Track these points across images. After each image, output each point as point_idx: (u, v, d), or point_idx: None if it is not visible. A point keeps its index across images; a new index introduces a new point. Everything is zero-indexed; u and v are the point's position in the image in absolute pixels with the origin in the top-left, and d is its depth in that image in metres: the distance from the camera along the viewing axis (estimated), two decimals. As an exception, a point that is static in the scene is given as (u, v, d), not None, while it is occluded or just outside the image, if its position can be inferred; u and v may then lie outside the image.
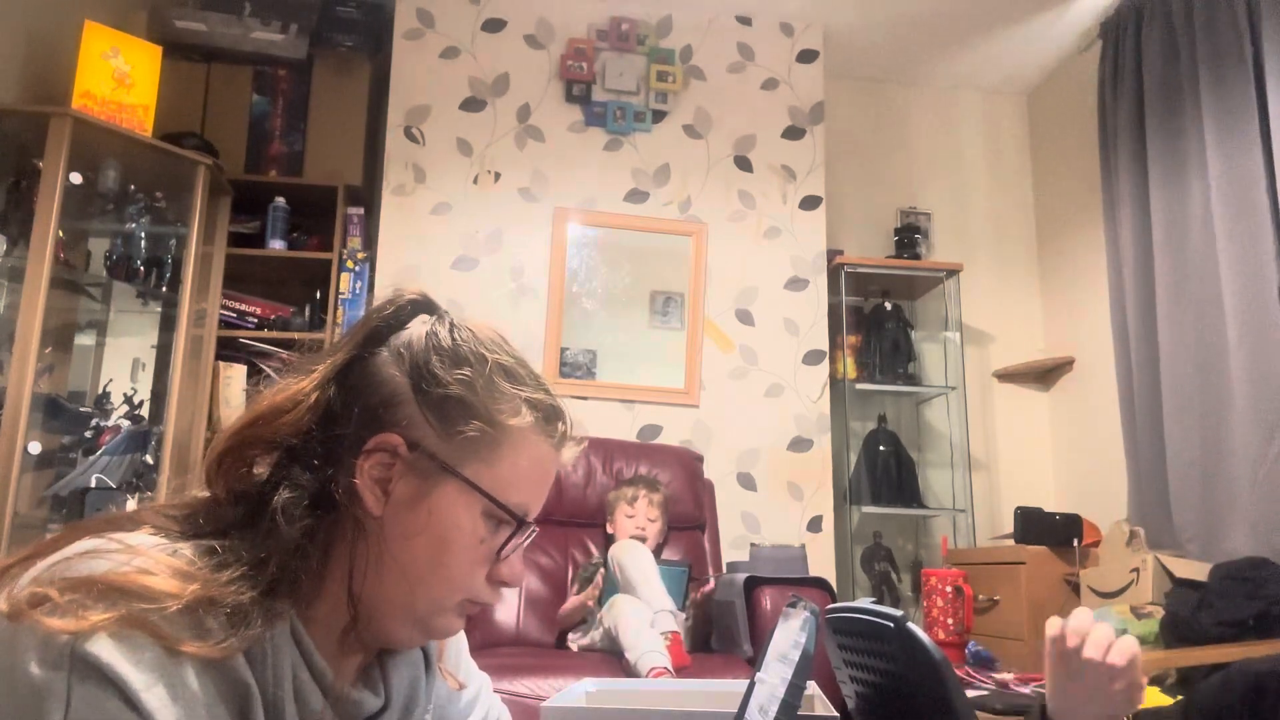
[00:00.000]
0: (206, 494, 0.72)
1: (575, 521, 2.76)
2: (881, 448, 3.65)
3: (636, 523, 2.60)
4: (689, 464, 2.96)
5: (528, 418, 0.75)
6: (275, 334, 3.26)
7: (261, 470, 0.71)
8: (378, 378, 0.73)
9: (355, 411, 0.72)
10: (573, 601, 2.52)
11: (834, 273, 3.61)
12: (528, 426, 0.75)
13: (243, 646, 0.62)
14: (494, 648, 2.34)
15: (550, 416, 0.77)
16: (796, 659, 0.82)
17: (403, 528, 0.71)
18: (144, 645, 0.57)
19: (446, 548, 0.72)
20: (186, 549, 0.65)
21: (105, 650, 0.56)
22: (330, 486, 0.70)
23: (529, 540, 0.78)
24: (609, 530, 2.68)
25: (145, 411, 2.90)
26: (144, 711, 0.56)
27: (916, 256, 3.75)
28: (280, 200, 3.34)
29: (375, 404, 0.72)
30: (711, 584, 2.53)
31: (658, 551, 2.62)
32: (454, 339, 0.75)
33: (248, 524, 0.68)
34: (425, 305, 0.79)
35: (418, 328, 0.76)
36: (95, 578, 0.59)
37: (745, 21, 3.69)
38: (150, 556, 0.62)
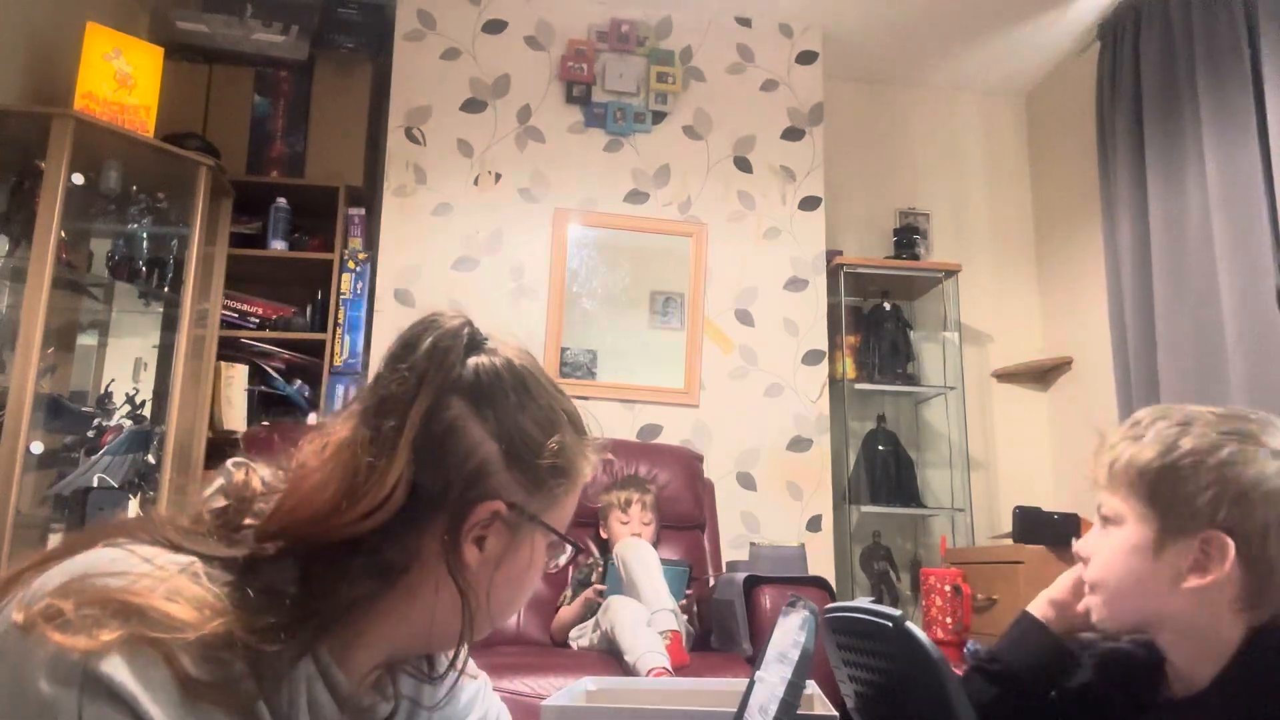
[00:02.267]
0: (220, 507, 0.71)
1: (575, 521, 2.75)
2: (880, 447, 3.65)
3: (632, 529, 2.59)
4: (689, 464, 2.97)
5: (594, 463, 0.81)
6: (277, 334, 3.27)
7: None
8: (464, 443, 0.72)
9: (448, 482, 0.71)
10: (566, 613, 2.52)
11: (833, 273, 3.61)
12: (592, 470, 0.81)
13: (260, 687, 0.62)
14: (494, 647, 2.34)
15: (596, 451, 0.82)
16: (796, 658, 0.83)
17: (491, 576, 0.74)
18: (156, 666, 0.57)
19: (525, 584, 0.79)
20: (212, 579, 0.63)
21: (117, 669, 0.55)
22: (409, 551, 0.70)
23: None
24: (603, 535, 2.68)
25: (147, 411, 2.91)
26: None
27: (915, 257, 3.76)
28: (282, 201, 3.35)
29: (469, 473, 0.72)
30: (712, 582, 2.54)
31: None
32: (530, 390, 0.76)
33: (289, 570, 0.67)
34: (473, 334, 0.76)
35: (485, 373, 0.74)
36: (112, 595, 0.58)
37: (745, 23, 3.69)
38: (173, 581, 0.61)
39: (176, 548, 0.66)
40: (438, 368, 0.71)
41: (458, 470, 0.71)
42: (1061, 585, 1.11)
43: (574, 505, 0.81)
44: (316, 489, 0.67)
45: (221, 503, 0.71)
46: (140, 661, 0.56)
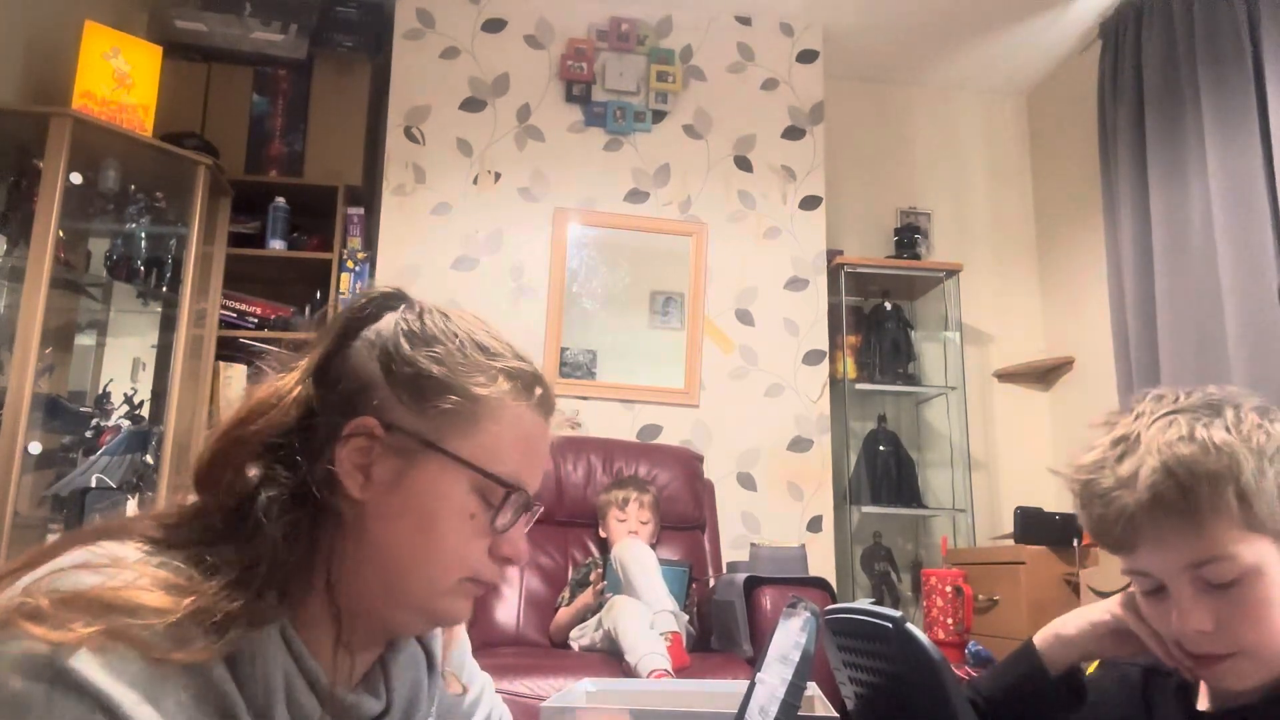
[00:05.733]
0: (196, 500, 0.71)
1: (575, 521, 2.76)
2: (881, 448, 3.65)
3: (629, 526, 2.60)
4: (689, 464, 2.97)
5: (504, 385, 0.74)
6: (275, 334, 3.26)
7: (254, 473, 0.70)
8: (350, 367, 0.74)
9: (330, 402, 0.72)
10: (565, 614, 2.51)
11: (834, 273, 3.61)
12: (505, 394, 0.74)
13: (225, 650, 0.62)
14: (494, 648, 2.34)
15: (528, 384, 0.76)
16: (797, 659, 0.83)
17: (385, 510, 0.71)
18: (127, 658, 0.57)
19: (433, 525, 0.71)
20: (176, 560, 0.64)
21: (86, 664, 0.55)
22: (310, 480, 0.70)
23: (535, 517, 0.78)
24: (602, 534, 2.68)
25: (145, 411, 2.90)
26: None
27: (916, 256, 3.76)
28: (280, 200, 3.34)
29: (349, 392, 0.72)
30: (712, 583, 2.53)
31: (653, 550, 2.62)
32: (423, 322, 0.76)
33: (235, 528, 0.68)
34: (398, 298, 0.79)
35: (389, 316, 0.77)
36: (84, 591, 0.58)
37: (745, 21, 3.69)
38: (141, 571, 0.62)
39: (154, 541, 0.66)
40: (343, 314, 0.77)
41: (341, 391, 0.73)
42: (1078, 626, 0.98)
43: (501, 442, 0.73)
44: (229, 418, 0.71)
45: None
46: (110, 654, 0.56)
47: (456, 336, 0.75)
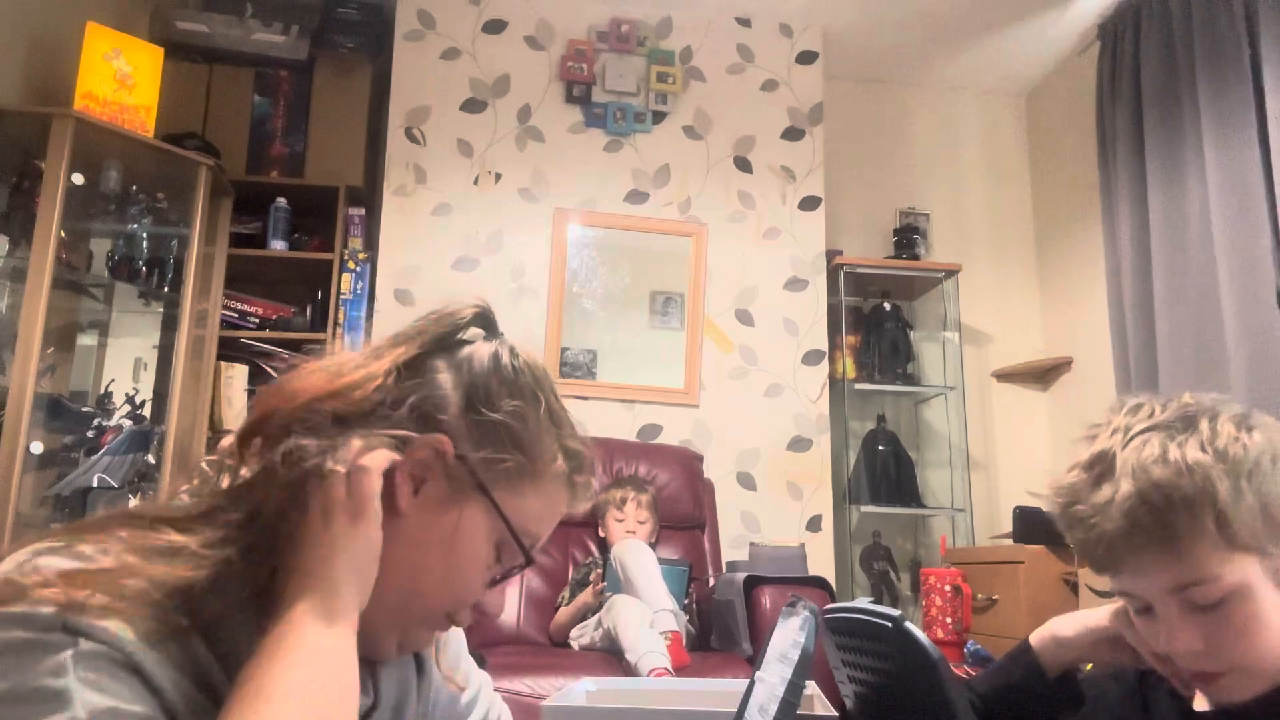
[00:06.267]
0: (189, 488, 0.70)
1: (574, 521, 2.77)
2: (880, 447, 3.66)
3: (626, 526, 2.61)
4: (689, 464, 2.97)
5: (561, 465, 0.77)
6: (277, 334, 3.27)
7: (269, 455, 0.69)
8: (432, 380, 0.74)
9: (407, 405, 0.72)
10: (565, 613, 2.52)
11: (833, 273, 3.62)
12: (559, 474, 0.77)
13: (204, 623, 0.61)
14: (494, 647, 2.35)
15: (579, 468, 0.79)
16: (796, 658, 0.83)
17: (422, 533, 0.71)
18: (120, 627, 0.56)
19: (458, 564, 0.73)
20: (159, 536, 0.63)
21: (91, 623, 0.55)
22: None
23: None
24: (600, 534, 2.70)
25: (147, 411, 2.91)
26: (145, 674, 0.56)
27: (915, 257, 3.76)
28: (281, 201, 3.35)
29: (426, 404, 0.73)
30: (712, 582, 2.54)
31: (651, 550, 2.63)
32: (514, 368, 0.77)
33: (238, 497, 0.67)
34: (486, 321, 0.81)
35: (482, 346, 0.77)
36: (68, 572, 0.58)
37: (745, 23, 3.70)
38: (119, 552, 0.61)
39: (135, 527, 0.65)
40: (444, 322, 0.77)
41: (419, 398, 0.72)
42: (1076, 630, 0.98)
43: (536, 509, 0.76)
44: (306, 373, 0.72)
45: (197, 482, 0.71)
46: (109, 622, 0.56)
47: (539, 400, 0.76)
